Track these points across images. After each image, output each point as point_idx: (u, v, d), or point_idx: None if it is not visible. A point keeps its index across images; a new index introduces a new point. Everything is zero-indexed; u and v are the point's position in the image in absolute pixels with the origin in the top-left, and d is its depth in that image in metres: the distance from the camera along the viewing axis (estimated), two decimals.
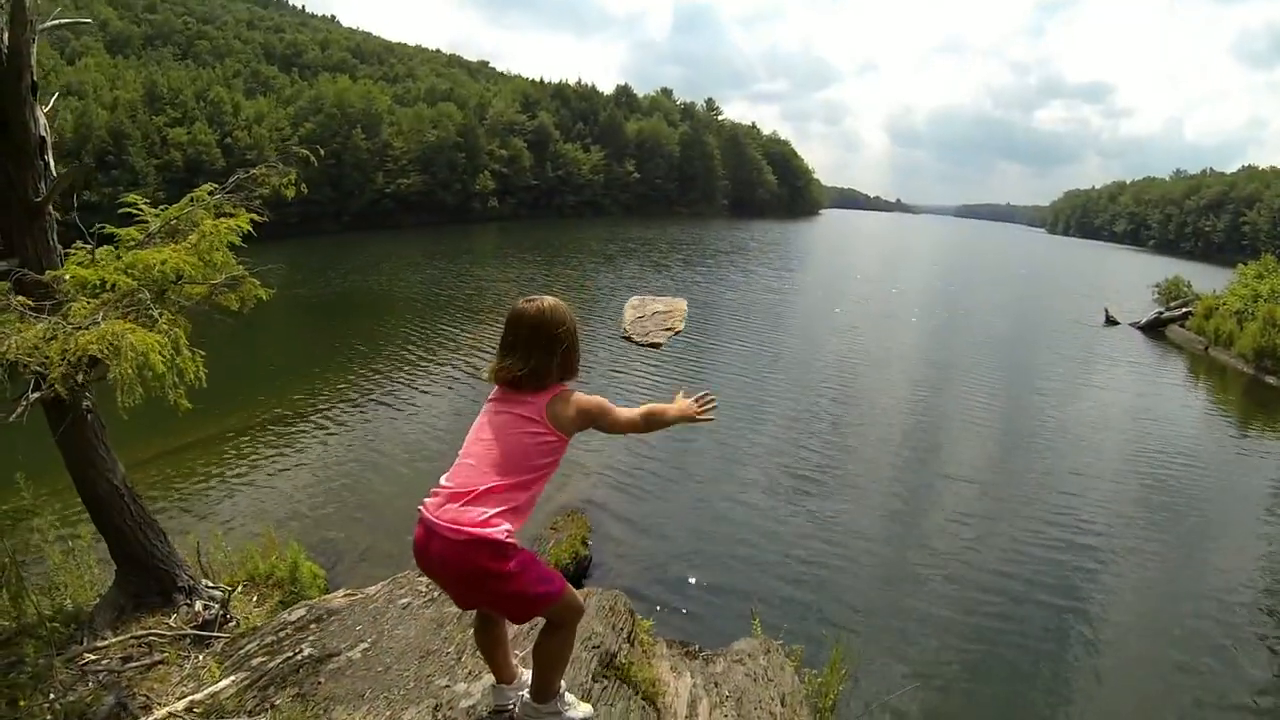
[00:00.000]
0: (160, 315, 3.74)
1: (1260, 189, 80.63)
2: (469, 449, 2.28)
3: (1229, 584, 8.63)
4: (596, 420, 2.35)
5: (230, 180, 4.96)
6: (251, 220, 4.44)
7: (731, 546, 8.50)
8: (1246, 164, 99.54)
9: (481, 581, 2.17)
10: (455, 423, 12.08)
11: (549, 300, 2.33)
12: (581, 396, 2.34)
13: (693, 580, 7.80)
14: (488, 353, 16.65)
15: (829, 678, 4.15)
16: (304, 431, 11.41)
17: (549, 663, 2.41)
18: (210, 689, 3.53)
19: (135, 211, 4.61)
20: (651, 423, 2.42)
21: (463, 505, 2.17)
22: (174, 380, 3.63)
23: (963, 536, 9.15)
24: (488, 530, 2.12)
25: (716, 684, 3.31)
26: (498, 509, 2.15)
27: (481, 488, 2.18)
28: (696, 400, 2.50)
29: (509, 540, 2.14)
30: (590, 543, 8.19)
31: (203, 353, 3.96)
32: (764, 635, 4.09)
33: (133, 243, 4.38)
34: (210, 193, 4.63)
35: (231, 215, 4.38)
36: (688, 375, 15.75)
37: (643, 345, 2.88)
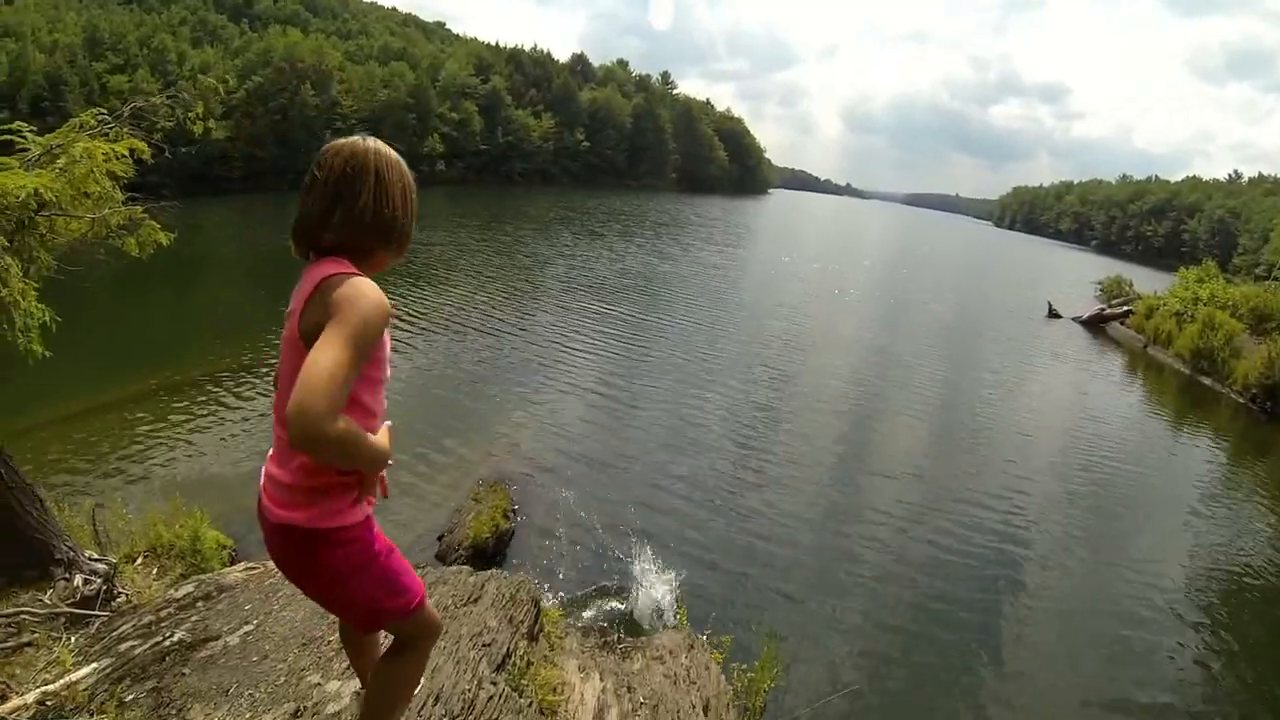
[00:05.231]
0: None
1: (1202, 199, 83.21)
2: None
3: (1155, 577, 8.76)
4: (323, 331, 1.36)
5: (126, 108, 4.48)
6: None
7: (662, 528, 8.19)
8: (1191, 174, 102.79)
9: (302, 582, 1.67)
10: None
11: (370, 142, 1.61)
12: (357, 287, 1.41)
13: (619, 562, 7.45)
14: (423, 314, 16.14)
15: (759, 675, 3.87)
16: (228, 392, 10.72)
17: (389, 694, 1.84)
18: (69, 678, 3.13)
19: (20, 140, 4.13)
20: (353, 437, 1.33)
21: (273, 469, 1.58)
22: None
23: (899, 526, 9.06)
24: (287, 514, 1.55)
25: (631, 688, 2.96)
26: (297, 480, 1.53)
27: (281, 443, 1.54)
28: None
29: (320, 527, 1.54)
30: (512, 516, 7.83)
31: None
32: (689, 628, 3.81)
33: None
34: (98, 119, 4.15)
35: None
36: (619, 350, 15.46)
37: None
